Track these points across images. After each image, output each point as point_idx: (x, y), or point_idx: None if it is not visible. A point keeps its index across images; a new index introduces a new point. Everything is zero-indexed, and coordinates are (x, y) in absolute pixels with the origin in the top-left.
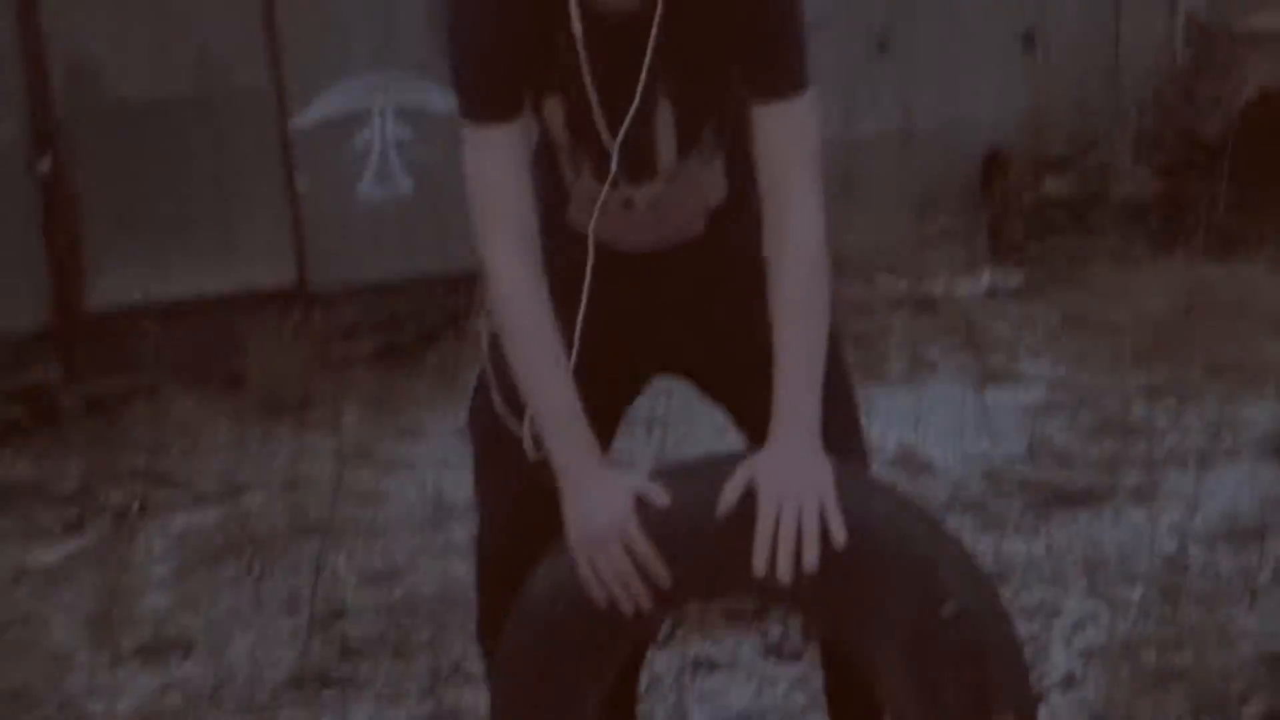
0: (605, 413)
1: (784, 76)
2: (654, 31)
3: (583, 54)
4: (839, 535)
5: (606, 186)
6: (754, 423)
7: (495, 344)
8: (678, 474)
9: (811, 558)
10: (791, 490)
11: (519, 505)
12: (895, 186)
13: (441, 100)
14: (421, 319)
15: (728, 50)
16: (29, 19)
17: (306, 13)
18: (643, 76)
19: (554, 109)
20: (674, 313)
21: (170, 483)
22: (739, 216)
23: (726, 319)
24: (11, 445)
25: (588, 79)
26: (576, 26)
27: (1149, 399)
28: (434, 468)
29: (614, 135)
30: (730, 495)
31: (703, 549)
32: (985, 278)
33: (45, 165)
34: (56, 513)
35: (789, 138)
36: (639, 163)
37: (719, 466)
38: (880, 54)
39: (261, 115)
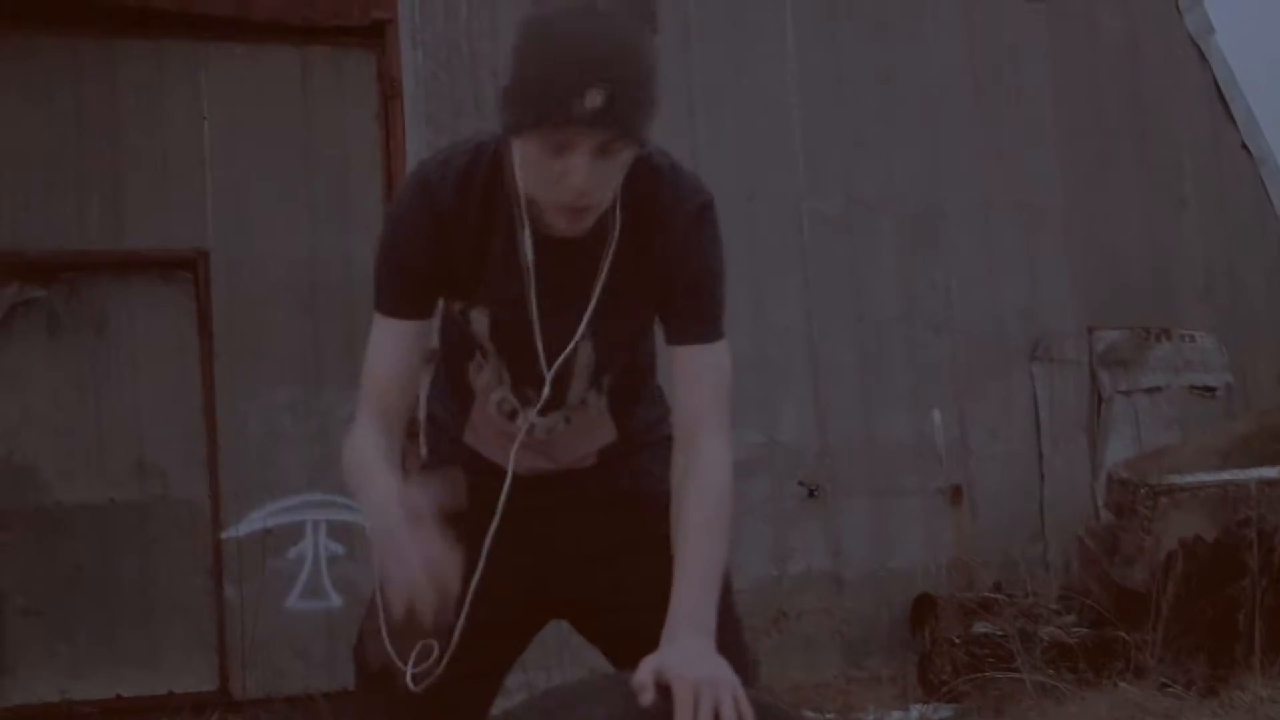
0: (501, 632)
1: (709, 322)
2: (607, 263)
3: (531, 281)
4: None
5: (532, 413)
6: (627, 661)
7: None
8: (565, 690)
9: None
10: (706, 679)
11: None
12: (825, 625)
13: None
14: None
15: (659, 293)
16: None
17: (246, 429)
18: (591, 305)
19: (479, 319)
20: (560, 542)
21: None
22: (629, 459)
23: (612, 559)
24: None
25: (533, 304)
26: (527, 253)
27: None
28: None
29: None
30: (646, 685)
31: None
32: (914, 710)
33: None
34: None
35: (707, 379)
36: (552, 393)
37: (605, 680)
38: (809, 499)
39: (195, 525)
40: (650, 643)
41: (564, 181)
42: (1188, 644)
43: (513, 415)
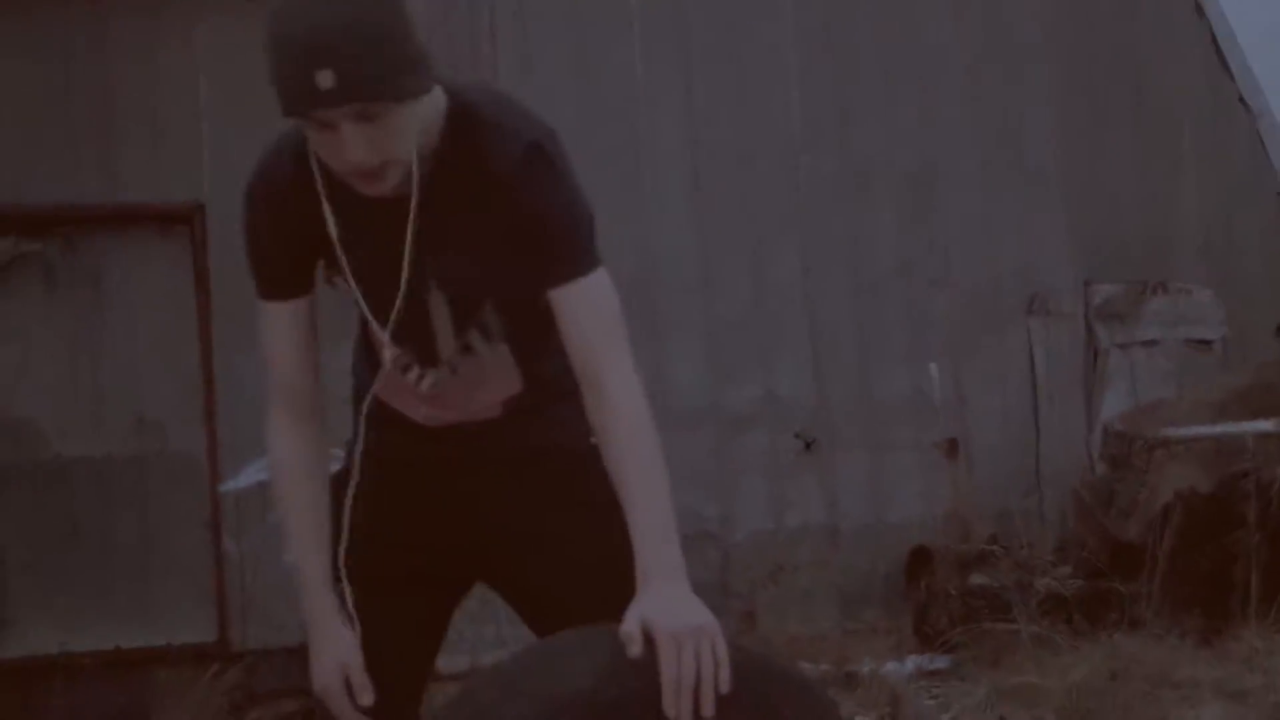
0: (422, 587)
1: (568, 260)
2: (411, 220)
3: (339, 250)
4: (725, 676)
5: (387, 368)
6: (546, 623)
7: None
8: (549, 644)
9: (722, 687)
10: (687, 628)
11: None
12: (822, 578)
13: None
14: None
15: (501, 239)
16: None
17: (243, 381)
18: (404, 266)
19: (344, 286)
20: (477, 499)
21: None
22: (541, 410)
23: (530, 517)
24: None
25: (348, 273)
26: (331, 227)
27: None
28: None
29: (386, 320)
30: (634, 636)
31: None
32: (910, 661)
33: None
34: None
35: (587, 314)
36: (420, 348)
37: (590, 634)
38: (806, 453)
39: (193, 478)
40: (563, 602)
41: (341, 154)
42: (1183, 595)
43: (405, 369)
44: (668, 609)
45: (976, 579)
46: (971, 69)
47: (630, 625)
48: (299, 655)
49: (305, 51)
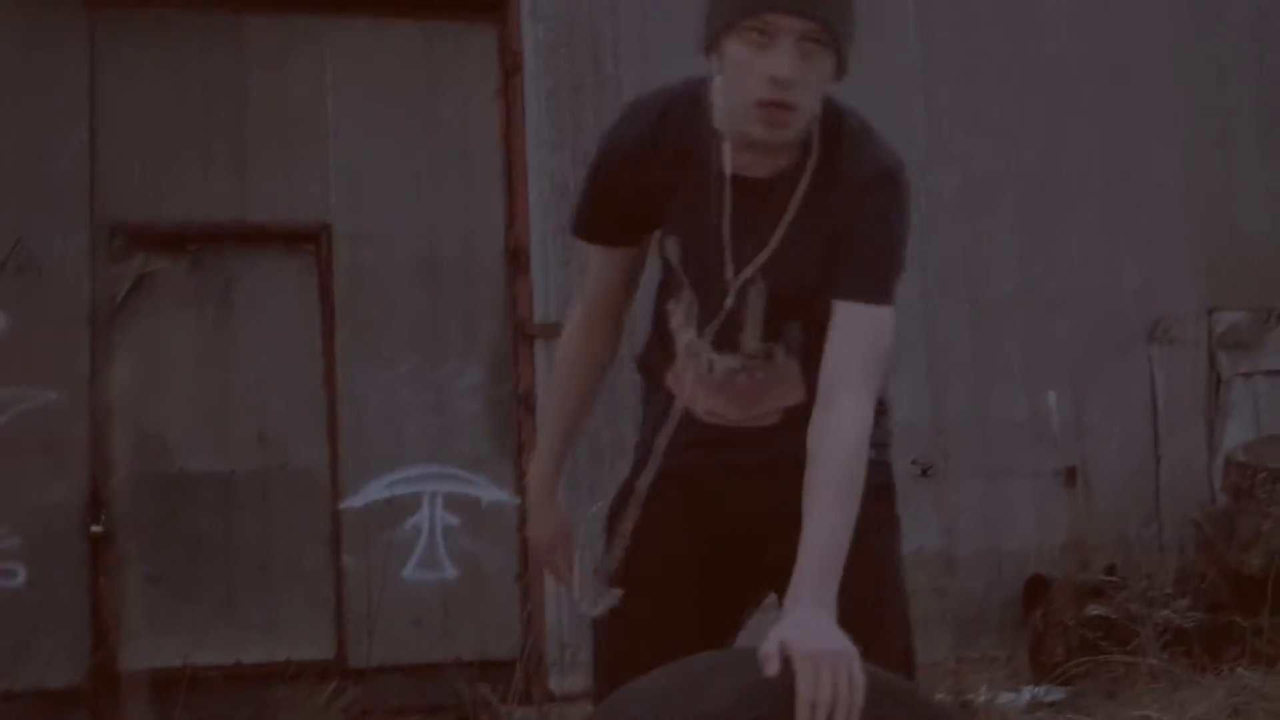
0: (703, 593)
1: (869, 281)
2: (798, 199)
3: (728, 202)
4: (860, 701)
5: (711, 330)
6: None
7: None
8: (695, 662)
9: (857, 713)
10: (826, 651)
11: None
12: (937, 605)
13: (489, 492)
14: (457, 702)
15: (830, 247)
16: (97, 391)
17: (366, 402)
18: (781, 229)
19: (672, 248)
20: (751, 503)
21: None
22: None
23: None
24: None
25: (726, 224)
26: (727, 166)
27: None
28: None
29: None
30: (772, 656)
31: None
32: (1027, 693)
33: (98, 528)
34: None
35: (858, 338)
36: (726, 332)
37: (734, 654)
38: (922, 478)
39: (314, 494)
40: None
41: (768, 74)
42: None
43: (698, 353)
44: (808, 632)
45: (1094, 609)
46: (1097, 88)
47: (769, 646)
48: (415, 673)
49: None
